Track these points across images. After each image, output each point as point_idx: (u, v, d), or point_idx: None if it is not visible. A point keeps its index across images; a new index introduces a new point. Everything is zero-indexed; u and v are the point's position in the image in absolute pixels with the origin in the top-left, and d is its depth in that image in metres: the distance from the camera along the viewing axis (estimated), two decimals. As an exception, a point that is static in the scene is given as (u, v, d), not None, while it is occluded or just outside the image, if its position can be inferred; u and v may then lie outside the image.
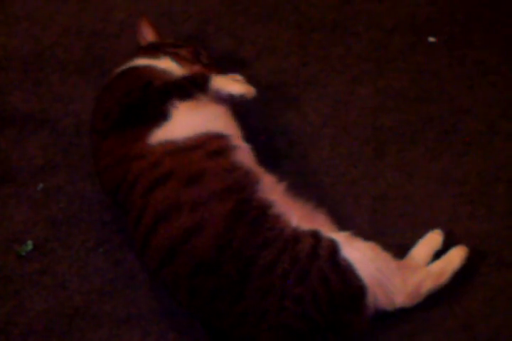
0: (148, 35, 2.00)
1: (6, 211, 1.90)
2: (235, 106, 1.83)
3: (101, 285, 1.78)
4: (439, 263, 1.70)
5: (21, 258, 1.83)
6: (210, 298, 1.54)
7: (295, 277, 1.52)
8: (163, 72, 1.80)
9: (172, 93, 1.71)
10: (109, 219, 1.87)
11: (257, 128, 2.04)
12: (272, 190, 1.65)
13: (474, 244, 1.77)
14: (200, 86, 1.75)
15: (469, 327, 1.69)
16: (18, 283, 1.79)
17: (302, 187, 1.78)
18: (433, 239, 1.76)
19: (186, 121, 1.69)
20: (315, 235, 1.57)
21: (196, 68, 1.87)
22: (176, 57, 1.89)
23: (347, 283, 1.53)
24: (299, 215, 1.62)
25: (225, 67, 2.00)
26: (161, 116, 1.69)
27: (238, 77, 1.92)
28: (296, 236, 1.56)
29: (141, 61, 1.85)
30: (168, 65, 1.84)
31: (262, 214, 1.58)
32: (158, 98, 1.71)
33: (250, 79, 1.89)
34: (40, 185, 1.94)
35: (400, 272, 1.61)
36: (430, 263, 1.71)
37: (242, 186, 1.61)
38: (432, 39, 2.23)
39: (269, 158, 1.96)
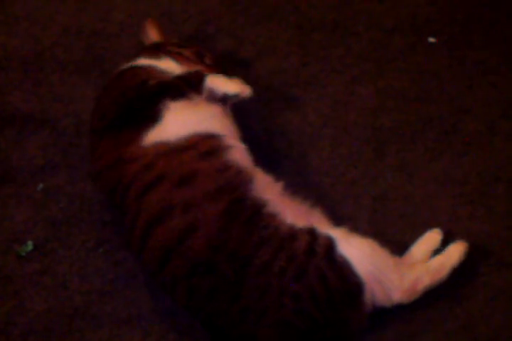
0: (153, 35, 2.00)
1: (6, 211, 1.90)
2: (235, 106, 1.83)
3: (101, 285, 1.78)
4: (436, 259, 1.70)
5: (21, 259, 1.83)
6: (208, 298, 1.54)
7: (292, 274, 1.52)
8: (162, 73, 1.79)
9: (165, 93, 1.70)
10: (110, 220, 1.87)
11: (257, 128, 2.04)
12: (266, 188, 1.64)
13: (474, 245, 1.77)
14: (194, 85, 1.74)
15: (470, 328, 1.69)
16: (18, 284, 1.79)
17: (302, 187, 1.78)
18: (432, 237, 1.76)
19: (179, 122, 1.68)
20: (311, 232, 1.57)
21: (198, 69, 1.86)
22: (179, 57, 1.88)
23: (344, 280, 1.53)
24: (294, 213, 1.62)
25: (225, 67, 2.00)
26: (154, 116, 1.68)
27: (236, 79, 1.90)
28: (293, 233, 1.56)
29: (143, 61, 1.85)
30: (168, 65, 1.83)
31: (257, 213, 1.57)
32: (150, 98, 1.70)
33: (250, 79, 1.88)
34: (40, 185, 1.94)
35: (397, 268, 1.61)
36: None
37: (235, 186, 1.60)
38: (432, 39, 2.23)
39: (269, 158, 1.96)
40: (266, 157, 1.93)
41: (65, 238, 1.85)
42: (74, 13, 2.34)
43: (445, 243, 1.75)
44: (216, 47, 2.22)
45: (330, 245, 1.56)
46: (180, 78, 1.76)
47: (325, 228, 1.61)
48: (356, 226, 1.70)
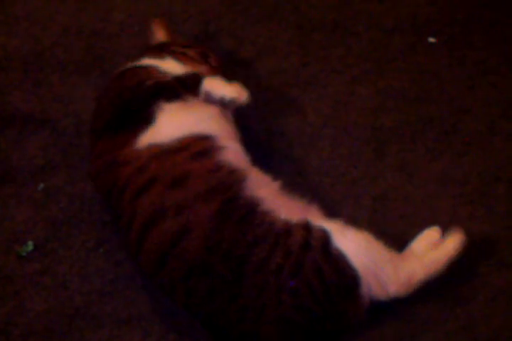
0: (160, 35, 1.99)
1: (7, 211, 1.90)
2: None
3: (101, 285, 1.78)
4: (432, 252, 1.68)
5: (22, 259, 1.83)
6: (207, 299, 1.54)
7: (289, 271, 1.52)
8: (163, 73, 1.77)
9: (159, 94, 1.69)
10: (110, 220, 1.87)
11: (257, 128, 2.04)
12: (261, 187, 1.63)
13: (474, 245, 1.77)
14: (190, 87, 1.73)
15: (470, 328, 1.69)
16: (18, 284, 1.79)
17: (302, 187, 1.78)
18: (430, 235, 1.75)
19: (172, 123, 1.67)
20: (306, 226, 1.57)
21: (202, 69, 1.85)
22: (183, 57, 1.87)
23: (340, 273, 1.53)
24: (290, 209, 1.62)
25: (225, 67, 2.00)
26: (148, 118, 1.67)
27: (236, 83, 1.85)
28: (288, 229, 1.56)
29: (145, 61, 1.84)
30: (170, 66, 1.81)
31: (251, 211, 1.57)
32: (145, 99, 1.69)
33: (250, 79, 1.89)
34: (41, 185, 1.94)
35: (393, 261, 1.61)
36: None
37: (227, 186, 1.59)
38: (432, 39, 2.23)
39: (269, 158, 1.96)
40: (266, 157, 1.93)
41: (65, 238, 1.85)
42: (74, 13, 2.34)
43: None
44: (216, 47, 2.21)
45: (325, 238, 1.55)
46: (176, 79, 1.75)
47: (319, 221, 1.61)
48: (356, 227, 1.70)
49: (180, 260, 1.54)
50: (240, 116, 1.85)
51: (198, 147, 1.63)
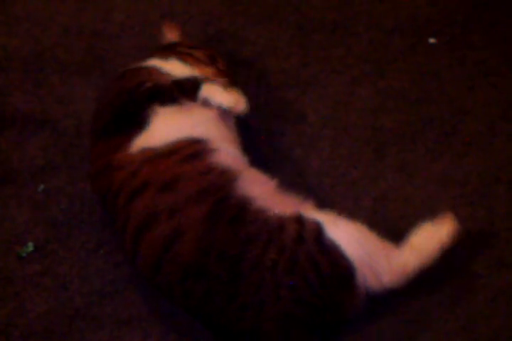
0: (170, 36, 1.98)
1: (7, 212, 1.90)
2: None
3: (101, 286, 1.78)
4: (424, 241, 1.66)
5: (22, 260, 1.83)
6: (205, 299, 1.54)
7: (284, 266, 1.52)
8: (165, 74, 1.76)
9: (155, 97, 1.68)
10: (110, 221, 1.87)
11: (257, 128, 2.04)
12: (255, 185, 1.62)
13: (474, 245, 1.77)
14: (187, 92, 1.71)
15: (470, 328, 1.69)
16: (18, 285, 1.79)
17: (302, 188, 1.78)
18: (428, 228, 1.74)
19: (166, 128, 1.66)
20: (298, 219, 1.57)
21: (208, 71, 1.84)
22: (189, 58, 1.85)
23: (335, 264, 1.53)
24: (284, 205, 1.61)
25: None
26: (142, 121, 1.66)
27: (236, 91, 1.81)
28: (281, 224, 1.56)
29: (150, 62, 1.83)
30: (173, 67, 1.80)
31: (243, 210, 1.56)
32: (140, 102, 1.68)
33: (250, 80, 1.88)
34: (41, 186, 1.94)
35: (386, 251, 1.60)
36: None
37: (219, 187, 1.58)
38: (432, 40, 2.23)
39: (269, 158, 1.96)
40: (266, 157, 1.93)
41: (65, 239, 1.85)
42: (74, 13, 2.34)
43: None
44: (217, 48, 2.21)
45: (317, 229, 1.55)
46: (175, 83, 1.73)
47: (312, 213, 1.60)
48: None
49: (175, 263, 1.54)
50: (239, 116, 1.85)
51: (190, 150, 1.63)
